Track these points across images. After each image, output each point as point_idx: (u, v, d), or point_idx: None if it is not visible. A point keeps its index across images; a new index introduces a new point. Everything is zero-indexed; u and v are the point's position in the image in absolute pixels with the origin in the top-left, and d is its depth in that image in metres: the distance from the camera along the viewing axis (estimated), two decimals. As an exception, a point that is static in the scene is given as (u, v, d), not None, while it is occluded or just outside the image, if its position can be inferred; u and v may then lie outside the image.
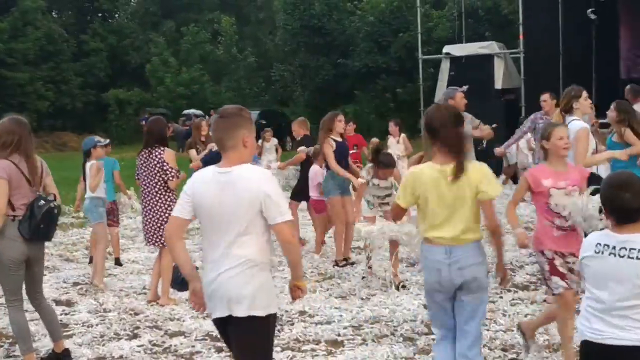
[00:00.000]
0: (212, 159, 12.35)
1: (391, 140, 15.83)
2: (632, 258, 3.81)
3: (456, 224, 5.02)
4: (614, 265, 3.87)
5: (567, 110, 8.05)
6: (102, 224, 9.97)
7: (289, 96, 39.46)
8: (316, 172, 11.14)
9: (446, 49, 21.33)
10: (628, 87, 12.82)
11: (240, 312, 4.55)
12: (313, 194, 11.31)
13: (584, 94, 8.14)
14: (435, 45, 28.82)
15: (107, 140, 10.46)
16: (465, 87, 10.65)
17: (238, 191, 4.51)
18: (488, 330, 7.34)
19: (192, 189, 4.67)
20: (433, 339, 7.10)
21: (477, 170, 5.05)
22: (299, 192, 11.68)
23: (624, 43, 24.76)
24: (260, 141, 16.74)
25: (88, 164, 9.82)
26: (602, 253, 3.93)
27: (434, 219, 5.05)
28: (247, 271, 4.54)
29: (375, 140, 16.73)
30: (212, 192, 4.57)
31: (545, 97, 11.40)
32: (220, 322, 4.72)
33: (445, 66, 20.72)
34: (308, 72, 36.18)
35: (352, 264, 10.54)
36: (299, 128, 12.50)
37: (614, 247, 3.89)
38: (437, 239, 5.05)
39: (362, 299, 8.77)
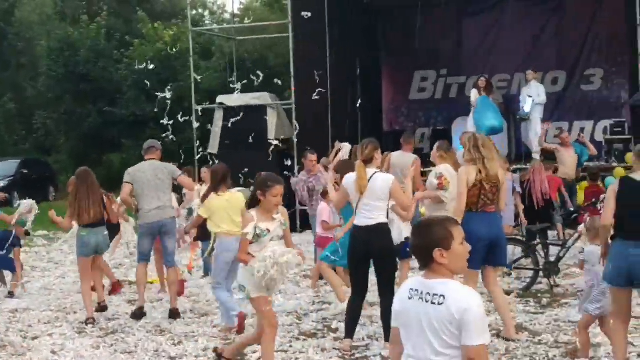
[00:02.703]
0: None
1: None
2: (435, 304, 3.80)
3: None
4: (423, 310, 3.85)
5: (368, 161, 8.33)
6: None
7: (52, 144, 38.02)
8: (322, 209, 11.12)
9: (219, 99, 21.41)
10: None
11: None
12: (318, 230, 11.25)
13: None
14: (204, 94, 28.83)
15: None
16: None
17: None
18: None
19: None
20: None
21: None
22: None
23: (386, 98, 26.09)
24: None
25: None
26: (413, 298, 3.92)
27: None
28: None
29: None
30: None
31: (313, 158, 12.34)
32: None
33: (219, 115, 20.79)
34: (73, 119, 34.97)
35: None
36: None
37: (422, 292, 3.88)
38: None
39: (149, 352, 8.52)
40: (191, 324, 9.78)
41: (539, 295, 10.75)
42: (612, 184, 7.05)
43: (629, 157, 16.47)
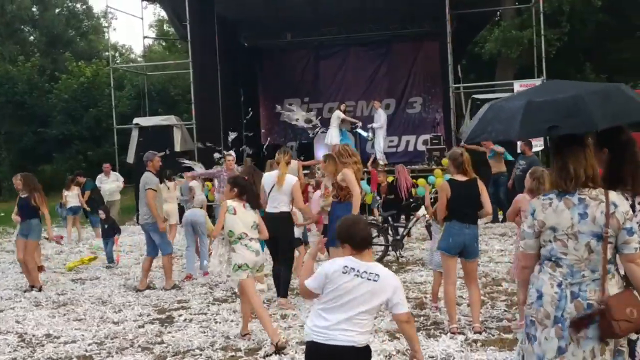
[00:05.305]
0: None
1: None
2: (371, 280, 3.75)
3: None
4: (357, 284, 3.76)
5: (288, 163, 8.51)
6: None
7: (-4, 158, 35.98)
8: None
9: (135, 120, 20.70)
10: None
11: None
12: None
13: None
14: (119, 117, 27.84)
15: None
16: (162, 153, 10.62)
17: None
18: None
19: None
20: (166, 347, 6.77)
21: None
22: None
23: (263, 119, 25.94)
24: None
25: None
26: (349, 273, 3.79)
27: None
28: None
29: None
30: None
31: (230, 158, 12.04)
32: None
33: (135, 134, 20.10)
34: (12, 138, 33.27)
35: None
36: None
37: (358, 270, 3.78)
38: None
39: (98, 319, 8.09)
40: (126, 295, 9.38)
41: (389, 264, 10.79)
42: (443, 186, 7.04)
43: (445, 161, 16.83)
